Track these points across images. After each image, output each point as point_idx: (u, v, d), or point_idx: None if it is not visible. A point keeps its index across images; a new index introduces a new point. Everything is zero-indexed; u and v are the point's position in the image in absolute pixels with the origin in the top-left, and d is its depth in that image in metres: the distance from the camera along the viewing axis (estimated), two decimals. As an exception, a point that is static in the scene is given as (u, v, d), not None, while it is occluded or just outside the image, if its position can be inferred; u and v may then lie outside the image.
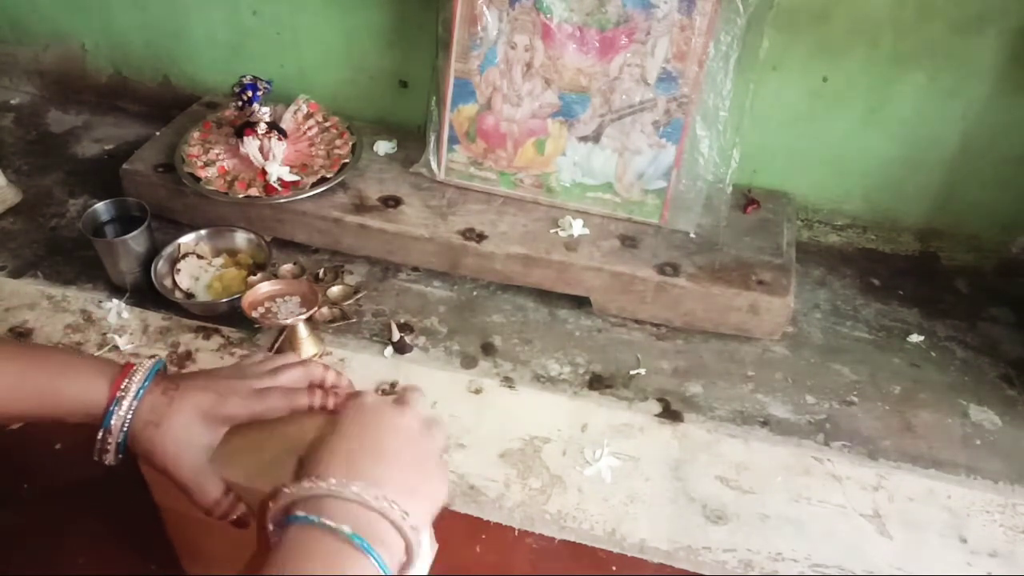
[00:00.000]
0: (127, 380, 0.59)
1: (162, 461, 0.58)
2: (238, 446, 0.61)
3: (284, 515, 0.48)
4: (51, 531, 0.70)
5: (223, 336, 0.89)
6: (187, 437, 0.58)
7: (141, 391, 0.59)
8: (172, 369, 0.84)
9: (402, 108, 1.14)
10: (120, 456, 0.59)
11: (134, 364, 0.60)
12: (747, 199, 1.03)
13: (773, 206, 1.03)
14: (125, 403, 0.58)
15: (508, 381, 0.86)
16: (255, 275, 0.93)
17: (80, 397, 0.58)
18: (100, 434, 0.58)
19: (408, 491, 0.50)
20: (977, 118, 0.96)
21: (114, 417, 0.57)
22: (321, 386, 0.65)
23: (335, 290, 0.96)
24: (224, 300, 0.89)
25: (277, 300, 0.85)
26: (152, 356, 0.63)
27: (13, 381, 0.58)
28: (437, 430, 0.56)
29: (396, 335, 0.89)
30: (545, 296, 0.96)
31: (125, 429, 0.58)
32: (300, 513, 0.47)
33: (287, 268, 0.99)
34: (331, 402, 0.63)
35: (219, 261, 0.96)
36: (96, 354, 0.85)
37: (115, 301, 0.91)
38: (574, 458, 0.78)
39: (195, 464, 0.59)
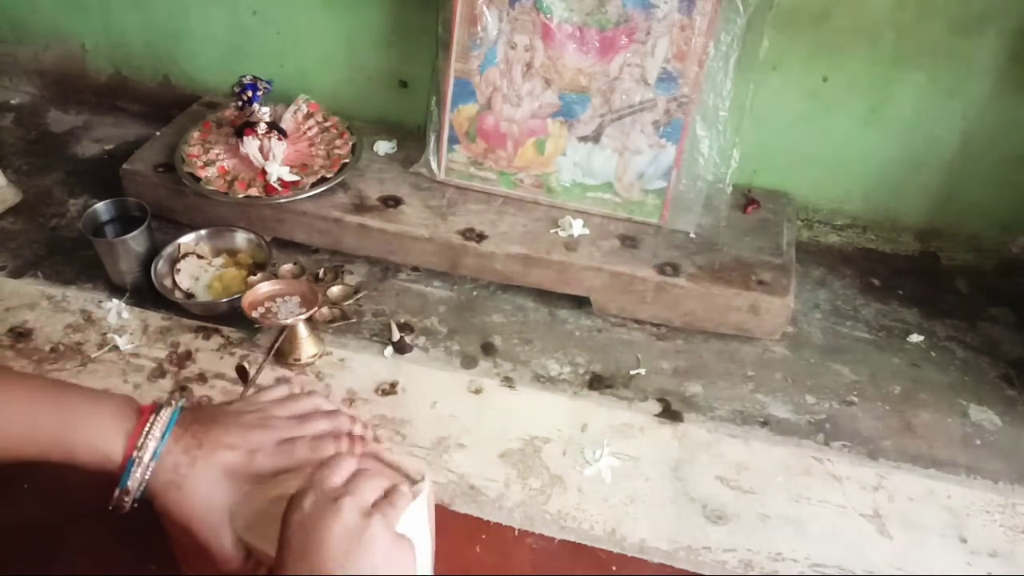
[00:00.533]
0: (144, 436, 0.56)
1: (185, 522, 0.56)
2: (262, 509, 0.59)
3: None
4: (51, 531, 0.70)
5: (223, 336, 0.89)
6: (210, 498, 0.57)
7: (160, 448, 0.56)
8: (171, 369, 0.84)
9: (402, 108, 1.14)
10: (136, 506, 0.57)
11: (151, 409, 0.58)
12: (747, 199, 1.03)
13: (773, 206, 1.03)
14: (144, 461, 0.56)
15: (508, 381, 0.86)
16: (255, 275, 0.93)
17: (95, 448, 0.56)
18: (116, 492, 0.56)
19: None
20: (977, 118, 0.96)
21: (130, 479, 0.55)
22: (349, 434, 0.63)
23: (335, 290, 0.96)
24: (224, 300, 0.89)
25: (277, 300, 0.85)
26: (169, 401, 0.60)
27: (23, 425, 0.56)
28: (386, 510, 0.53)
29: (396, 335, 0.89)
30: (545, 296, 0.96)
31: (143, 488, 0.56)
32: None
33: (287, 268, 0.99)
34: (358, 450, 0.61)
35: (219, 261, 0.96)
36: (95, 355, 0.85)
37: (115, 301, 0.91)
38: (574, 458, 0.78)
39: (218, 526, 0.57)
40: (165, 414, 0.58)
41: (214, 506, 0.57)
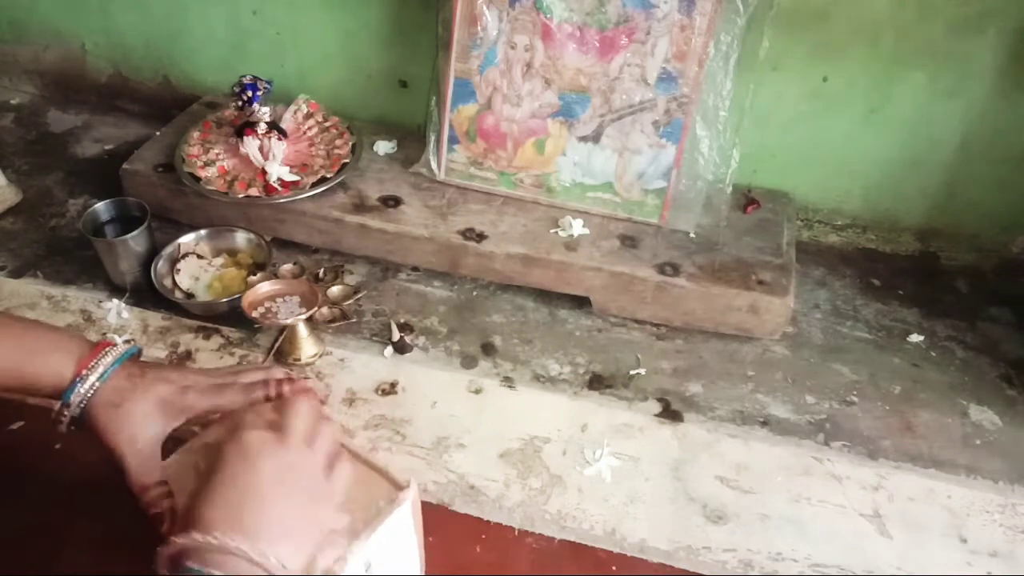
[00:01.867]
0: (95, 360, 0.61)
1: (114, 440, 0.60)
2: (187, 459, 0.63)
3: (174, 563, 0.50)
4: (51, 531, 0.70)
5: (223, 336, 0.89)
6: (142, 424, 0.60)
7: (108, 372, 0.61)
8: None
9: (402, 108, 1.14)
10: (72, 429, 0.61)
11: (109, 344, 0.62)
12: (747, 199, 1.03)
13: (773, 206, 1.03)
14: (88, 382, 0.60)
15: (508, 381, 0.86)
16: (255, 275, 0.93)
17: (50, 370, 0.60)
18: (57, 406, 0.60)
19: (286, 533, 0.52)
20: (977, 118, 0.96)
21: (73, 393, 0.60)
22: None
23: (335, 290, 0.96)
24: (224, 300, 0.89)
25: (277, 300, 0.85)
26: (128, 341, 0.64)
27: None
28: (321, 439, 0.57)
29: (396, 335, 0.89)
30: (545, 296, 0.96)
31: (83, 405, 0.60)
32: (190, 564, 0.49)
33: (287, 268, 0.99)
34: (286, 389, 0.65)
35: (219, 261, 0.96)
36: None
37: (115, 301, 0.91)
38: (574, 458, 0.78)
39: (144, 449, 0.60)
40: (120, 348, 0.63)
41: (142, 433, 0.60)
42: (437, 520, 0.62)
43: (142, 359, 0.66)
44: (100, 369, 0.61)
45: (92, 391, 0.60)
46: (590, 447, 0.79)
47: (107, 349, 0.62)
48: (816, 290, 1.01)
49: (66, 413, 0.60)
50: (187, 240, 0.95)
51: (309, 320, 0.85)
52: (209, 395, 0.63)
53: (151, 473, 0.61)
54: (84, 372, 0.60)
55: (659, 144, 0.93)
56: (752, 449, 0.80)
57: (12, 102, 1.30)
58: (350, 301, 0.95)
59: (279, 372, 0.67)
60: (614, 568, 0.70)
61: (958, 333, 0.96)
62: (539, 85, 0.93)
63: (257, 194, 0.96)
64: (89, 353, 0.61)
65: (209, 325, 0.89)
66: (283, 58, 1.15)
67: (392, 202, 0.99)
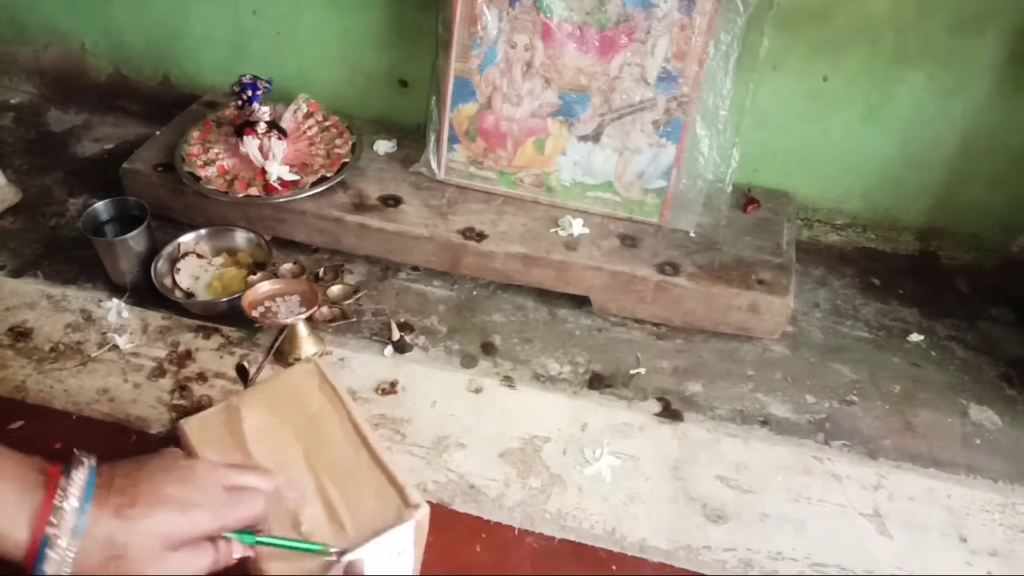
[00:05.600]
0: (58, 506, 0.44)
1: None
2: None
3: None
4: None
5: (223, 335, 0.89)
6: (162, 560, 0.47)
7: (83, 522, 0.45)
8: (171, 368, 0.84)
9: (402, 107, 1.14)
10: None
11: (55, 470, 0.46)
12: (747, 198, 1.03)
13: (773, 205, 1.03)
14: (62, 539, 0.44)
15: (508, 380, 0.86)
16: (255, 274, 0.93)
17: None
18: None
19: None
20: (977, 118, 0.96)
21: (47, 563, 0.44)
22: None
23: (335, 289, 0.96)
24: (224, 299, 0.89)
25: (277, 299, 0.85)
26: (80, 461, 0.47)
27: None
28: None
29: (396, 334, 0.89)
30: (545, 295, 0.96)
31: (70, 569, 0.45)
32: None
33: (287, 267, 0.99)
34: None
35: (219, 260, 0.96)
36: (95, 355, 0.85)
37: (115, 300, 0.91)
38: (574, 457, 0.78)
39: (172, 569, 0.48)
40: (79, 475, 0.46)
41: (164, 566, 0.48)
42: (437, 520, 0.62)
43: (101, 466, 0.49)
44: (70, 519, 0.44)
45: (71, 552, 0.44)
46: (590, 446, 0.79)
47: (60, 481, 0.45)
48: (816, 289, 1.01)
49: None
50: (187, 239, 0.95)
51: (309, 319, 0.85)
52: (219, 519, 0.50)
53: (202, 559, 0.49)
54: (47, 530, 0.44)
55: (659, 143, 0.93)
56: (752, 448, 0.80)
57: (12, 101, 1.30)
58: (350, 300, 0.95)
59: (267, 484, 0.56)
60: (614, 567, 0.70)
61: (958, 333, 0.96)
62: (539, 84, 0.93)
63: (257, 193, 0.96)
64: (43, 500, 0.45)
65: (209, 324, 0.89)
66: (283, 58, 1.15)
67: (392, 201, 0.99)
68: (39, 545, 0.44)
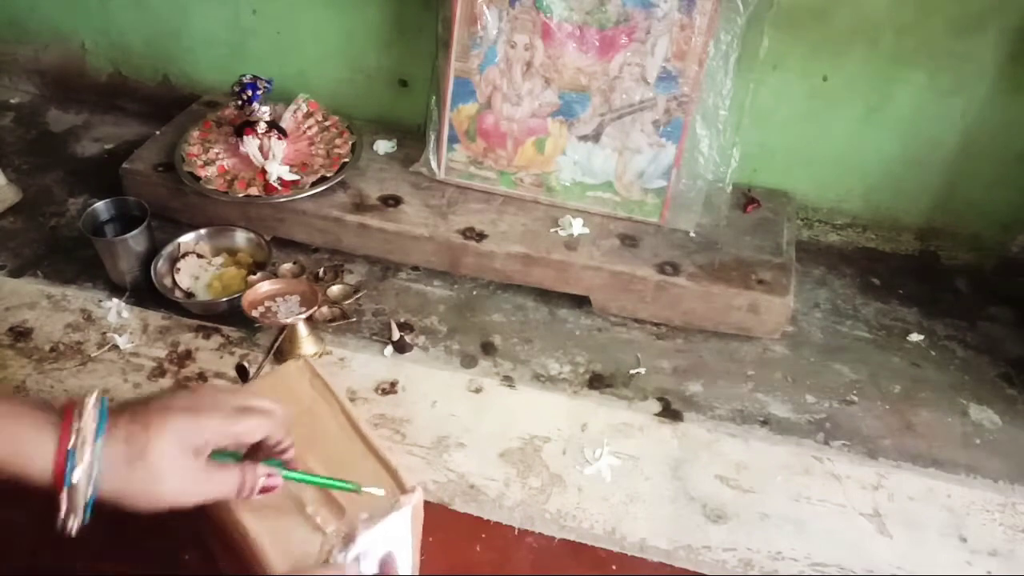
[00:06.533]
0: (75, 421, 0.48)
1: (157, 494, 0.49)
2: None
3: None
4: (51, 531, 0.70)
5: (223, 335, 0.89)
6: (183, 470, 0.50)
7: (101, 428, 0.48)
8: (171, 368, 0.84)
9: (402, 107, 1.14)
10: (88, 517, 0.48)
11: (74, 404, 0.49)
12: (747, 198, 1.03)
13: (773, 205, 1.03)
14: (87, 452, 0.47)
15: (508, 380, 0.86)
16: (255, 274, 0.93)
17: (18, 458, 0.47)
18: (65, 494, 0.47)
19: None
20: (977, 117, 0.96)
21: (77, 471, 0.47)
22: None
23: (335, 289, 0.96)
24: (224, 299, 0.89)
25: (277, 299, 0.85)
26: (90, 397, 0.50)
27: None
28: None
29: (396, 334, 0.89)
30: (545, 295, 0.96)
31: (90, 501, 0.47)
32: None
33: (287, 267, 0.99)
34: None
35: (219, 260, 0.96)
36: (95, 354, 0.85)
37: (115, 300, 0.91)
38: (574, 457, 0.78)
39: (199, 473, 0.51)
40: (89, 400, 0.49)
41: (185, 467, 0.50)
42: (437, 519, 0.62)
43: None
44: (90, 427, 0.48)
45: (97, 460, 0.47)
46: (590, 446, 0.79)
47: (76, 409, 0.49)
48: (816, 289, 1.01)
49: (78, 498, 0.47)
50: (187, 239, 0.95)
51: (309, 319, 0.85)
52: (228, 424, 0.52)
53: (226, 480, 0.52)
54: (71, 441, 0.47)
55: (659, 143, 0.93)
56: (752, 448, 0.80)
57: (12, 101, 1.30)
58: (350, 300, 0.95)
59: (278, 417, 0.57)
60: (614, 567, 0.70)
61: (958, 332, 0.96)
62: (539, 84, 0.93)
63: (257, 193, 0.96)
64: (63, 417, 0.48)
65: (209, 324, 0.89)
66: (283, 58, 1.15)
67: (392, 201, 0.99)
68: (65, 458, 0.47)
